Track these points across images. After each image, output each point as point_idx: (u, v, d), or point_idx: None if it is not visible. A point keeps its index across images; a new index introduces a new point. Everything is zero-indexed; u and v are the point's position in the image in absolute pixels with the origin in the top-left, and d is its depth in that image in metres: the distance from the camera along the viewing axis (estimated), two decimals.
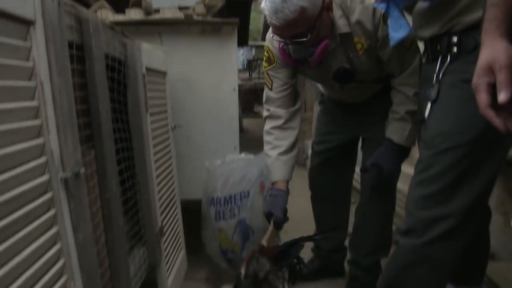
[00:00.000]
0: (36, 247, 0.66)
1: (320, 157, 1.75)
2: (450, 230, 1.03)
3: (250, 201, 1.63)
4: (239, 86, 1.99)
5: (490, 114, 0.77)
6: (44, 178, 0.70)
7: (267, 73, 1.57)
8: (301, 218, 2.54)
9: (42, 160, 0.69)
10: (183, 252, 1.69)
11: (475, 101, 0.80)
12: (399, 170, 1.53)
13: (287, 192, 1.58)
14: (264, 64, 1.58)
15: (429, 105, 1.10)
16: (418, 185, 1.09)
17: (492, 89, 0.77)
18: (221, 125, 1.83)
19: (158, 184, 1.38)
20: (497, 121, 0.77)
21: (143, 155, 1.24)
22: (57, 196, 0.72)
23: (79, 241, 0.77)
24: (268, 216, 1.53)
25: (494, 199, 1.77)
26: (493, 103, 0.77)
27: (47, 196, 0.70)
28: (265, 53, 1.55)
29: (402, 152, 1.47)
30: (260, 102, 8.59)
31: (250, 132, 6.71)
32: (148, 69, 1.30)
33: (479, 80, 0.79)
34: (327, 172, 1.77)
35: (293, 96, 1.59)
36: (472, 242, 1.26)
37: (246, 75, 12.00)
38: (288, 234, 2.44)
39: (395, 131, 1.45)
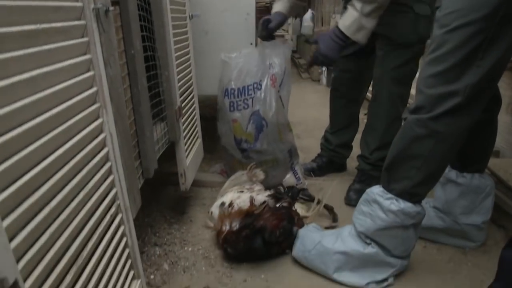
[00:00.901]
0: (71, 64, 0.71)
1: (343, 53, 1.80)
2: (457, 107, 1.08)
3: (263, 93, 1.68)
4: None
5: None
6: (78, 4, 0.74)
7: None
8: (314, 127, 2.65)
9: None
10: (199, 141, 1.77)
11: None
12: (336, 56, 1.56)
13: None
14: None
15: None
16: (429, 64, 1.12)
17: None
18: (238, 20, 1.84)
19: (177, 67, 1.42)
20: None
21: (163, 31, 1.28)
22: (90, 25, 0.76)
23: (110, 74, 0.83)
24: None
25: (505, 100, 1.80)
26: None
27: (81, 22, 0.75)
28: None
29: (343, 40, 1.50)
30: None
31: None
32: None
33: None
34: (347, 67, 1.83)
35: None
36: (480, 128, 1.31)
37: None
38: (301, 139, 2.55)
39: (343, 16, 1.49)
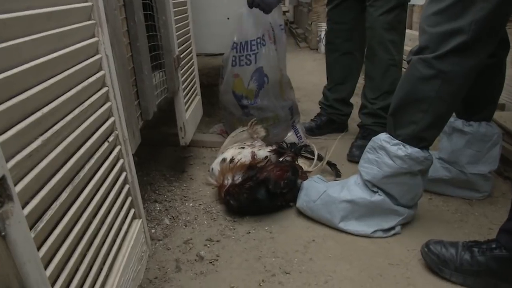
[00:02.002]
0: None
1: (334, 2, 1.77)
2: (462, 45, 1.02)
3: (267, 48, 1.62)
4: None
5: None
6: None
7: None
8: (313, 92, 2.61)
9: None
10: (198, 98, 1.71)
11: None
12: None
13: None
14: None
15: None
16: (431, 1, 1.07)
17: None
18: None
19: (175, 15, 1.35)
20: None
21: None
22: None
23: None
24: None
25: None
26: None
27: None
28: None
29: None
30: None
31: None
32: None
33: None
34: (340, 19, 1.78)
35: None
36: (487, 74, 1.26)
37: None
38: (301, 103, 2.49)
39: None
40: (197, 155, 1.80)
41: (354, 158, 1.67)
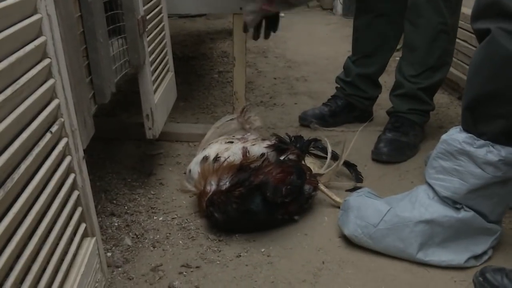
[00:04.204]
0: None
1: None
2: None
3: None
4: None
5: None
6: None
7: None
8: (326, 68, 2.63)
9: None
10: (171, 74, 1.72)
11: None
12: None
13: None
14: None
15: None
16: None
17: None
18: None
19: None
20: None
21: None
22: None
23: None
24: None
25: None
26: None
27: None
28: None
29: None
30: None
31: None
32: None
33: None
34: None
35: None
36: None
37: None
38: (309, 82, 2.52)
39: None
40: (169, 152, 1.81)
41: (381, 157, 1.69)
